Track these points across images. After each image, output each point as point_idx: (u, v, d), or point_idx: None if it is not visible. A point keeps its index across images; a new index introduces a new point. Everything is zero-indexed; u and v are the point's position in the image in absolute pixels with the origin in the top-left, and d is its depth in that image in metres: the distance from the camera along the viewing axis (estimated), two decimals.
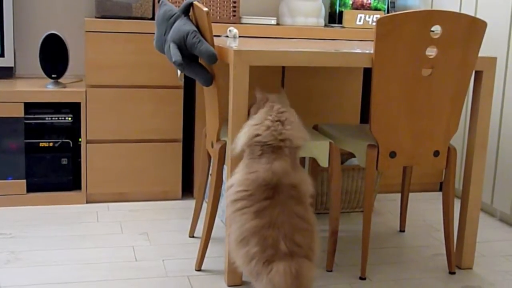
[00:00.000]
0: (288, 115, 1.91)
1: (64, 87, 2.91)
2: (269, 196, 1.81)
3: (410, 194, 3.32)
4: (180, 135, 2.99)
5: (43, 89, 2.83)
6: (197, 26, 2.14)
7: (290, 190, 1.83)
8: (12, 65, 3.05)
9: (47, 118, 2.88)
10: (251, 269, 1.81)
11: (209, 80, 2.12)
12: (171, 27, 2.15)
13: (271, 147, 1.85)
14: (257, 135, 1.86)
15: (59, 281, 2.11)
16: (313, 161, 2.57)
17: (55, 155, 2.89)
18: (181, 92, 2.95)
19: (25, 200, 2.86)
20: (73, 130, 2.93)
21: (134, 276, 2.18)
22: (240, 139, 1.91)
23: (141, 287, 2.10)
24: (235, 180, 1.88)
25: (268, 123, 1.87)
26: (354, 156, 2.96)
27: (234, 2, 3.08)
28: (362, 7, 3.35)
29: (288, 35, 3.01)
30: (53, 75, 2.89)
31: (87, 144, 2.88)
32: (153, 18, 2.93)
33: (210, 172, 2.46)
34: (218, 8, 3.06)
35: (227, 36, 2.66)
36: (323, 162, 2.19)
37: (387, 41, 2.04)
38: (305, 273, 1.78)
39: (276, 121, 1.88)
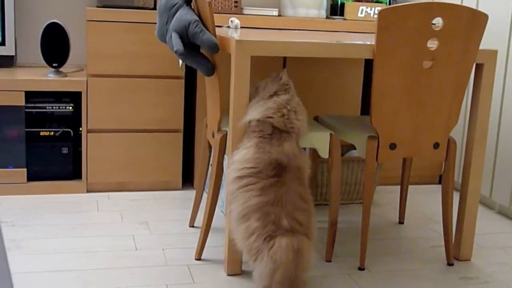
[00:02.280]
0: (303, 107, 2.00)
1: (65, 76, 2.91)
2: (276, 174, 1.86)
3: (410, 186, 3.33)
4: (181, 125, 2.99)
5: (44, 78, 2.83)
6: (199, 16, 2.14)
7: (296, 172, 1.89)
8: (13, 53, 3.05)
9: (48, 107, 2.88)
10: (250, 244, 1.82)
11: (211, 70, 2.12)
12: (173, 16, 2.15)
13: (280, 130, 1.92)
14: (271, 117, 1.92)
15: (59, 269, 2.12)
16: (314, 152, 2.58)
17: (56, 144, 2.90)
18: (182, 82, 2.95)
19: (26, 189, 2.86)
20: (74, 119, 2.93)
21: (134, 265, 2.19)
22: (253, 113, 1.95)
23: (141, 276, 2.11)
24: (241, 157, 1.91)
25: (285, 111, 1.94)
26: (355, 148, 2.98)
27: None
28: None
29: (289, 26, 3.01)
30: (54, 64, 2.89)
31: (88, 134, 2.89)
32: (154, 8, 2.93)
33: (210, 162, 2.47)
34: None
35: (229, 27, 2.66)
36: (324, 153, 2.20)
37: (389, 33, 2.04)
38: (305, 251, 1.81)
39: (292, 111, 1.94)
